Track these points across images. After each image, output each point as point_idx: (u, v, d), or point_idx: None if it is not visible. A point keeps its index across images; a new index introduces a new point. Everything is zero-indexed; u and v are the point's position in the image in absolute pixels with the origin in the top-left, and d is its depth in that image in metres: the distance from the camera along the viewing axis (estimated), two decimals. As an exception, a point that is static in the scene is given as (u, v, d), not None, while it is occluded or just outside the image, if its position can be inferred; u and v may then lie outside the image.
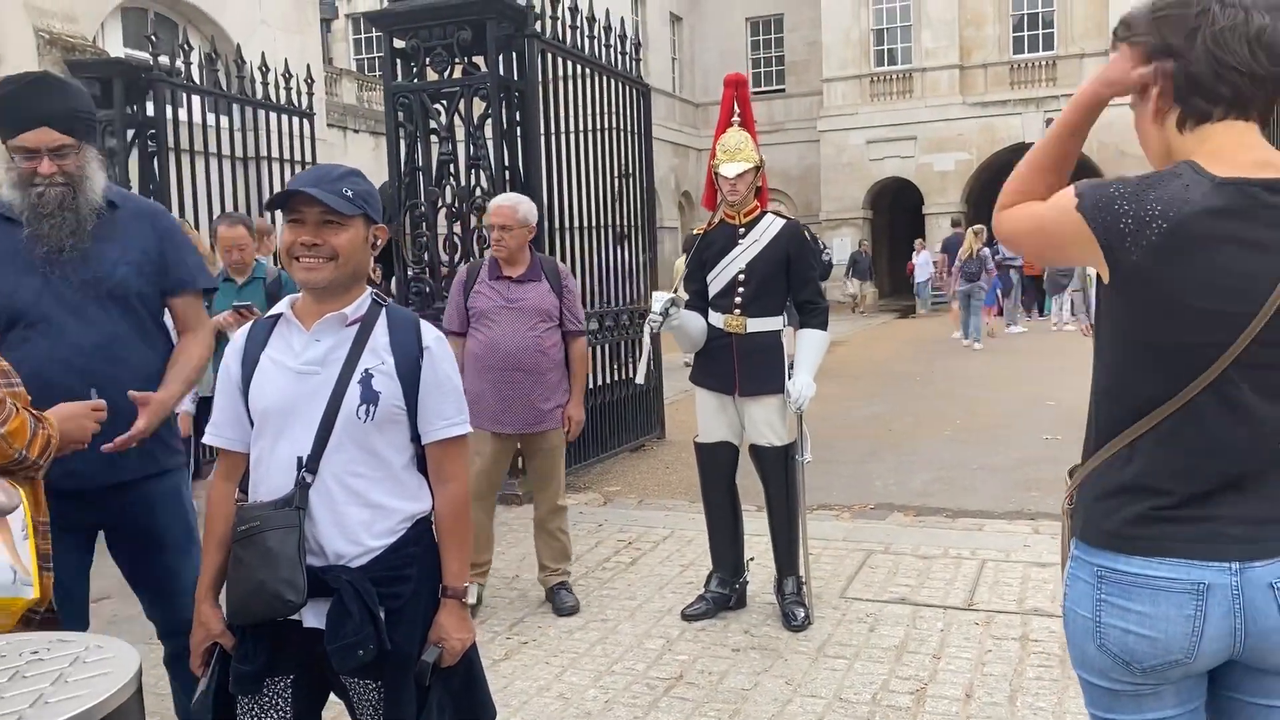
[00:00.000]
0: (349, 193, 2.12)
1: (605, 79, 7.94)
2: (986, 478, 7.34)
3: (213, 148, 8.30)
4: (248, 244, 5.26)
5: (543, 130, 7.08)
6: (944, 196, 27.41)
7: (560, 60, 7.32)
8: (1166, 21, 1.65)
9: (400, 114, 6.96)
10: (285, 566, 2.04)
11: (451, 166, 6.94)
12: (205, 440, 2.33)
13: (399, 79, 6.98)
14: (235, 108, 8.67)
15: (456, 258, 6.84)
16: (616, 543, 5.86)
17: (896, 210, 30.18)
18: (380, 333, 2.19)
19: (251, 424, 2.22)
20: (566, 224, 7.52)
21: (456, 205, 6.91)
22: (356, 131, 19.96)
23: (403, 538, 2.19)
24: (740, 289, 4.38)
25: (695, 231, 4.64)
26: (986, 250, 16.32)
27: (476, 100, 6.80)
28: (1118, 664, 1.71)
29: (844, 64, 28.37)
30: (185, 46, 8.09)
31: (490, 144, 6.79)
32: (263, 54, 8.80)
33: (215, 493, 2.30)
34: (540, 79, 7.02)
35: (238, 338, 2.29)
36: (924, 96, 27.61)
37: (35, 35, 7.90)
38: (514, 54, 6.94)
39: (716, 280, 4.44)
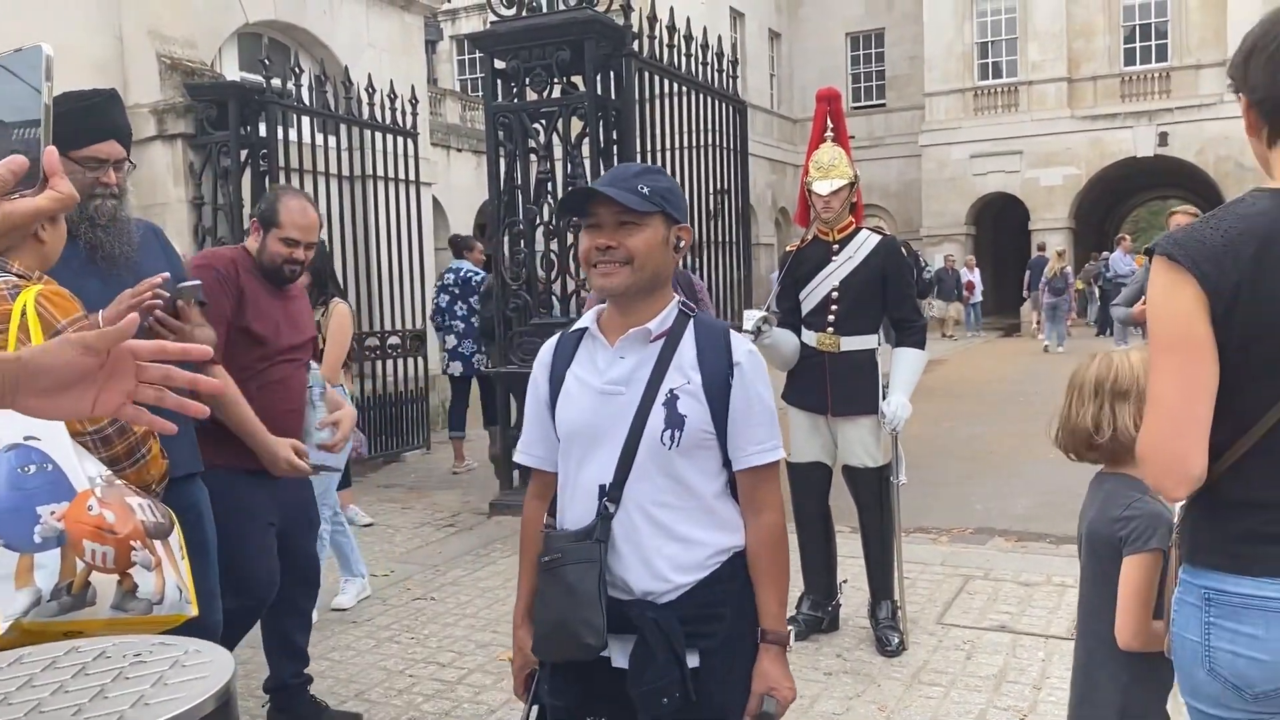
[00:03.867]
0: (645, 189, 1.95)
1: (702, 96, 7.96)
2: (1092, 503, 7.08)
3: (321, 167, 8.58)
4: None
5: (639, 148, 7.13)
6: (1051, 212, 26.70)
7: (657, 78, 7.36)
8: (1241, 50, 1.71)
9: (500, 133, 7.09)
10: (584, 605, 1.91)
11: (549, 184, 7.04)
12: (515, 459, 2.26)
13: (499, 99, 7.11)
14: (343, 128, 8.94)
15: (553, 274, 6.93)
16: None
17: (1001, 226, 29.50)
18: (687, 347, 2.01)
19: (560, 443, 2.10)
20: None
21: (554, 223, 7.00)
22: (459, 150, 20.39)
23: (715, 573, 1.99)
24: (834, 306, 4.34)
25: (788, 249, 4.61)
26: (1069, 269, 19.36)
27: (574, 119, 6.88)
28: (1229, 689, 1.66)
29: (947, 78, 27.91)
30: (296, 69, 8.39)
31: (587, 162, 6.86)
32: (369, 76, 9.06)
33: (529, 512, 2.21)
34: (637, 97, 7.08)
35: (544, 352, 2.17)
36: (1030, 110, 26.97)
37: (158, 60, 8.28)
38: (612, 73, 7.01)
39: (809, 298, 4.41)
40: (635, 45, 7.04)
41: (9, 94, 1.06)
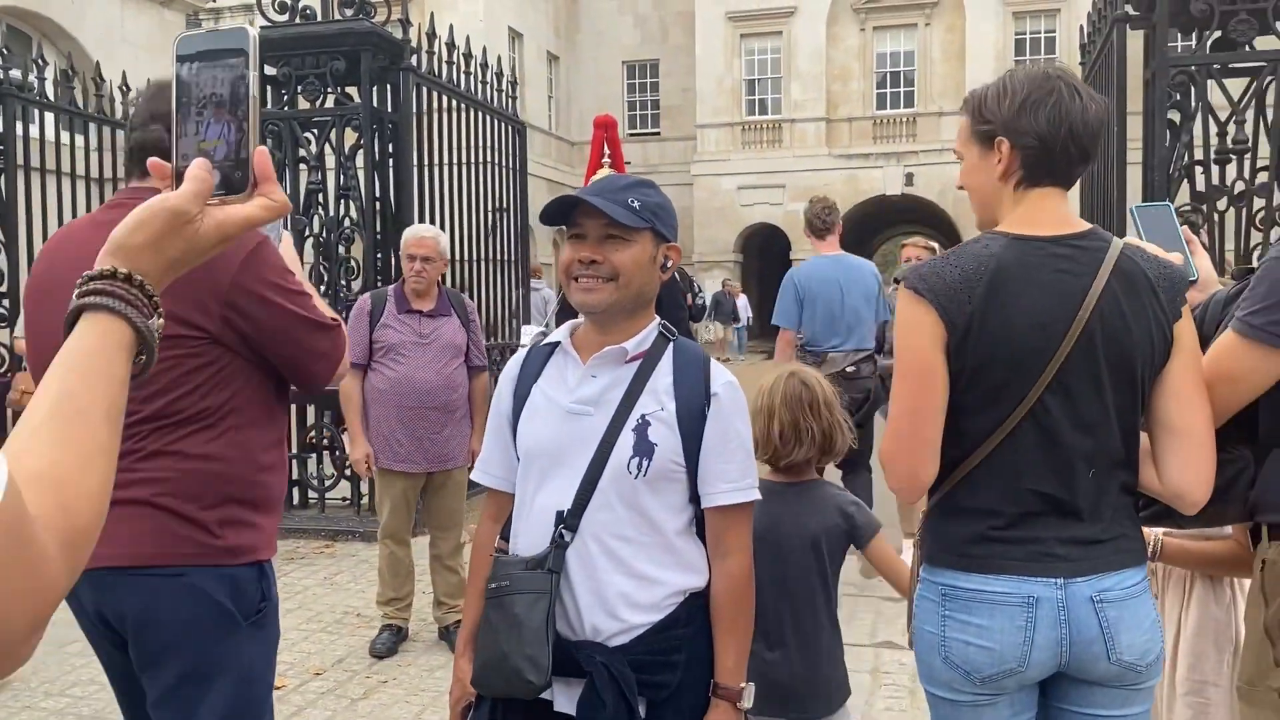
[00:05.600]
0: (635, 203, 1.84)
1: (480, 115, 7.97)
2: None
3: (67, 167, 7.97)
4: None
5: (417, 162, 7.06)
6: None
7: (435, 94, 7.32)
8: (1011, 101, 1.88)
9: (269, 141, 6.83)
10: (530, 640, 1.78)
11: (320, 196, 6.85)
12: (473, 476, 2.09)
13: (268, 105, 6.86)
14: (92, 127, 8.34)
15: (323, 288, 6.73)
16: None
17: (766, 255, 30.98)
18: (663, 372, 1.89)
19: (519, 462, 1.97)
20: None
21: (324, 235, 6.81)
22: (222, 156, 19.38)
23: (671, 615, 1.86)
24: (610, 326, 4.45)
25: (566, 269, 4.71)
26: None
27: (349, 130, 6.74)
28: (960, 675, 1.85)
29: (717, 111, 29.09)
30: (39, 61, 7.77)
31: (361, 174, 6.73)
32: (124, 73, 8.51)
33: (481, 535, 2.07)
34: (415, 112, 7.01)
35: (512, 365, 2.04)
36: (792, 146, 28.51)
37: (-128, 41, 7.47)
38: (389, 86, 6.92)
39: (587, 317, 4.51)
40: (414, 60, 6.98)
41: (204, 81, 0.89)
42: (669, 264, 1.93)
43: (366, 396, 4.54)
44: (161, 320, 0.89)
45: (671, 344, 1.94)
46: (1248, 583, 2.32)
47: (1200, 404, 1.84)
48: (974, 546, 1.85)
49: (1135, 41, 5.90)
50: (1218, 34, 5.51)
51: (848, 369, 5.37)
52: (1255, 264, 2.60)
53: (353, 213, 6.77)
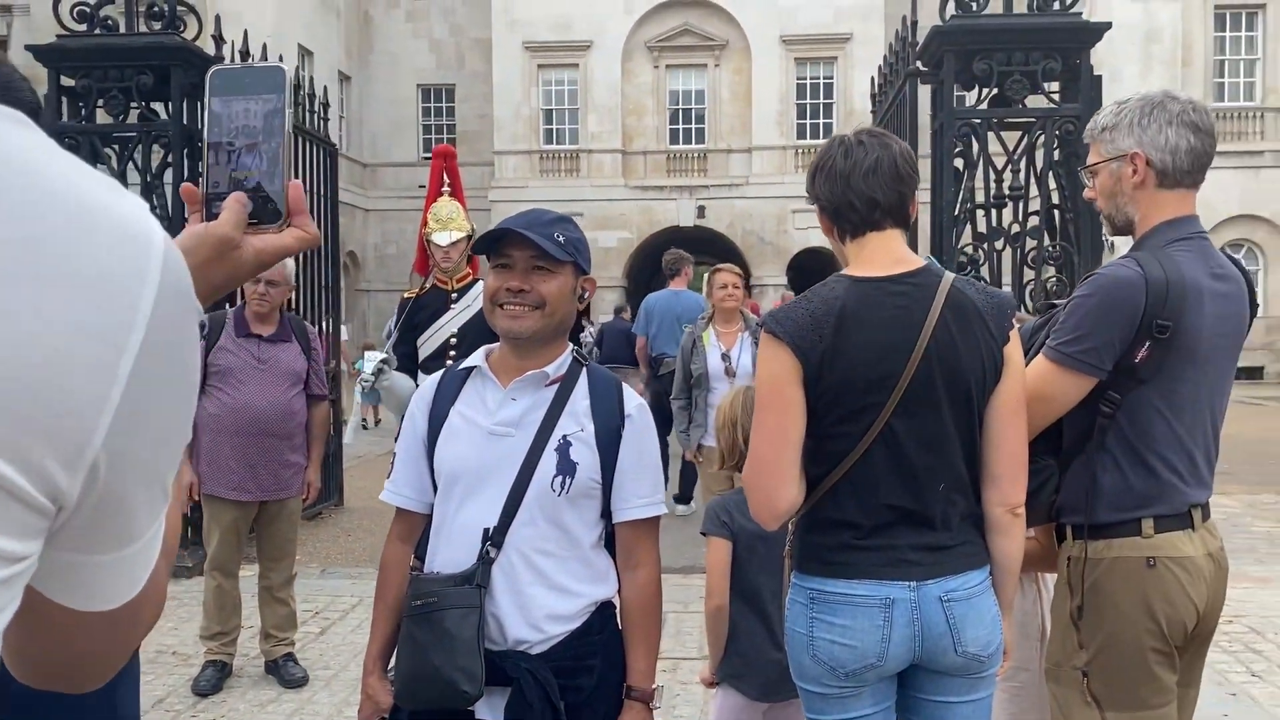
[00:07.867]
0: (561, 238, 1.94)
1: (294, 137, 7.78)
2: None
3: None
4: None
5: (227, 184, 6.82)
6: (607, 271, 28.74)
7: (248, 114, 7.11)
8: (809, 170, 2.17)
9: (65, 155, 6.44)
10: (463, 652, 1.85)
11: (123, 215, 6.50)
12: (383, 497, 2.11)
13: (63, 118, 6.47)
14: None
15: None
16: (303, 612, 5.64)
17: (562, 282, 31.21)
18: (580, 395, 2.02)
19: (434, 484, 2.02)
20: (249, 281, 7.25)
21: (127, 256, 6.47)
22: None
23: (587, 623, 2.00)
24: (452, 352, 4.51)
25: (406, 295, 4.73)
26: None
27: (155, 147, 6.45)
28: (826, 670, 2.05)
29: (515, 138, 29.21)
30: None
31: (170, 193, 6.45)
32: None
33: (390, 555, 2.09)
34: (227, 131, 6.79)
35: (426, 388, 2.10)
36: (590, 176, 28.97)
37: None
38: (198, 104, 6.67)
39: (428, 343, 4.54)
40: (225, 78, 6.76)
41: (237, 114, 0.93)
42: (586, 295, 2.07)
43: (198, 421, 4.37)
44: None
45: (585, 369, 2.08)
46: (1051, 578, 2.66)
47: (1020, 423, 2.09)
48: (837, 554, 2.05)
49: (925, 93, 6.50)
50: (995, 91, 6.15)
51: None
52: (1054, 300, 2.99)
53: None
